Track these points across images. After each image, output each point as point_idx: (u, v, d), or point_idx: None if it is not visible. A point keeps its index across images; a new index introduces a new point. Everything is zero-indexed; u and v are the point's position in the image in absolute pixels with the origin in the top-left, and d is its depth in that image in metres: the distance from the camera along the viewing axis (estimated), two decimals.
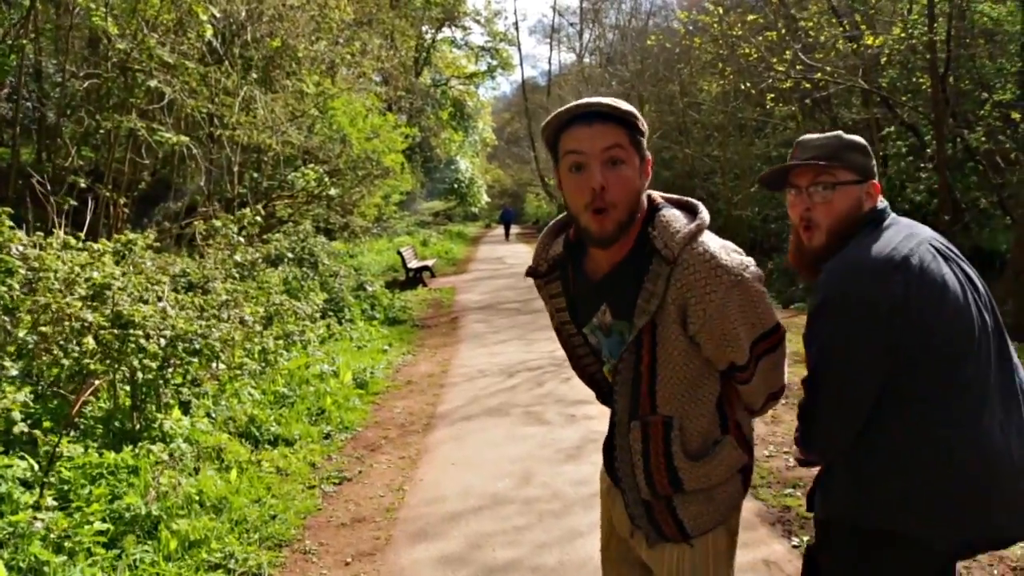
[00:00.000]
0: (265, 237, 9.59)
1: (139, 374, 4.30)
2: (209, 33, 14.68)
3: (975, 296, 1.60)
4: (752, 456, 1.64)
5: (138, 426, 4.37)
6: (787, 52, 10.02)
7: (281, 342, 6.61)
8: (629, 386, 1.49)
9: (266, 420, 5.04)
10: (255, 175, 18.21)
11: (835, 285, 1.56)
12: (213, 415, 4.95)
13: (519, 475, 4.45)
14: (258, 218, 7.75)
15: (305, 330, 7.03)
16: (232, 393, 5.35)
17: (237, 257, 7.61)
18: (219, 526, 3.59)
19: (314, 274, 8.33)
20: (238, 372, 5.58)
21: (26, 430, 3.57)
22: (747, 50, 9.83)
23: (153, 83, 13.01)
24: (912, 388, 1.52)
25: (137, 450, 3.89)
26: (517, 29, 69.07)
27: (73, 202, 13.87)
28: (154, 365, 4.28)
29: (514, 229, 34.96)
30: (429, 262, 15.60)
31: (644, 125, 1.44)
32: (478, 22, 34.77)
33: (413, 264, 13.81)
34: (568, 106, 1.42)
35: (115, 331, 4.31)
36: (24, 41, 12.29)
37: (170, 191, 18.18)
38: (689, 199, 1.54)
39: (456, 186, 35.17)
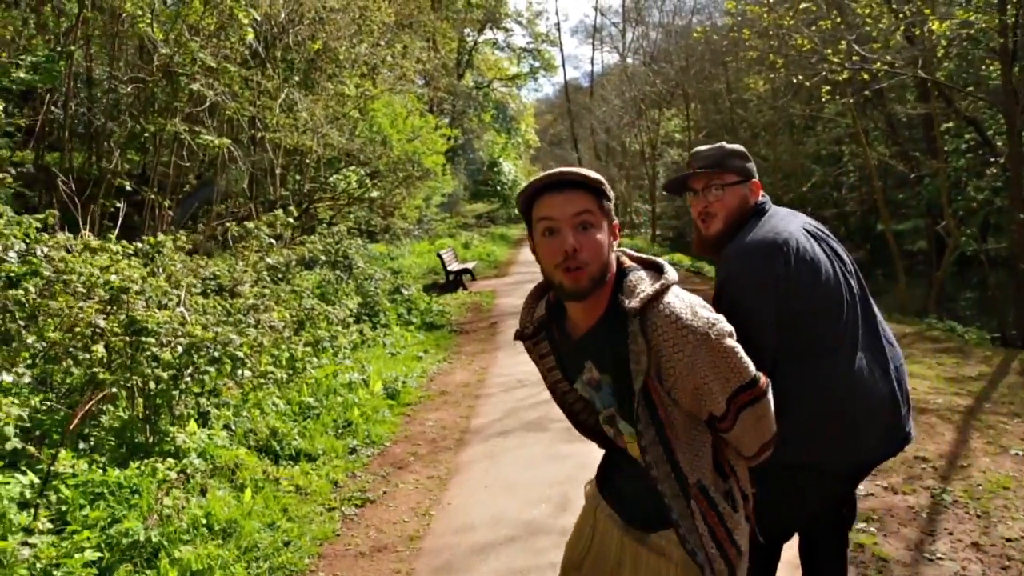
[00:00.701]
0: (301, 239, 9.34)
1: (151, 384, 4.00)
2: (250, 36, 14.63)
3: (842, 267, 2.00)
4: (748, 500, 1.67)
5: (150, 439, 4.07)
6: (841, 43, 9.39)
7: (310, 349, 6.31)
8: (665, 462, 1.50)
9: (289, 433, 4.71)
10: (297, 177, 18.17)
11: (733, 266, 1.93)
12: (233, 427, 4.65)
13: (557, 501, 4.03)
14: (290, 219, 7.47)
15: (336, 336, 6.71)
16: (255, 403, 5.04)
17: (269, 259, 7.35)
18: (225, 554, 3.25)
19: (348, 277, 8.03)
20: (263, 381, 5.27)
21: (20, 446, 3.27)
22: (800, 41, 9.23)
23: (196, 87, 12.97)
24: (799, 346, 1.88)
25: (143, 467, 3.58)
26: (559, 30, 68.59)
27: (118, 204, 13.93)
28: (166, 375, 3.97)
29: None
30: (469, 265, 15.27)
31: (611, 192, 1.53)
32: (520, 23, 34.44)
33: (453, 267, 13.48)
34: (539, 176, 1.50)
35: (126, 338, 4.02)
36: (73, 48, 12.32)
37: (214, 194, 18.21)
38: (656, 259, 1.60)
39: (499, 188, 34.85)
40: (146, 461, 3.61)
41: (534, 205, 1.52)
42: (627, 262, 1.57)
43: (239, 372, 5.34)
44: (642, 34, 32.77)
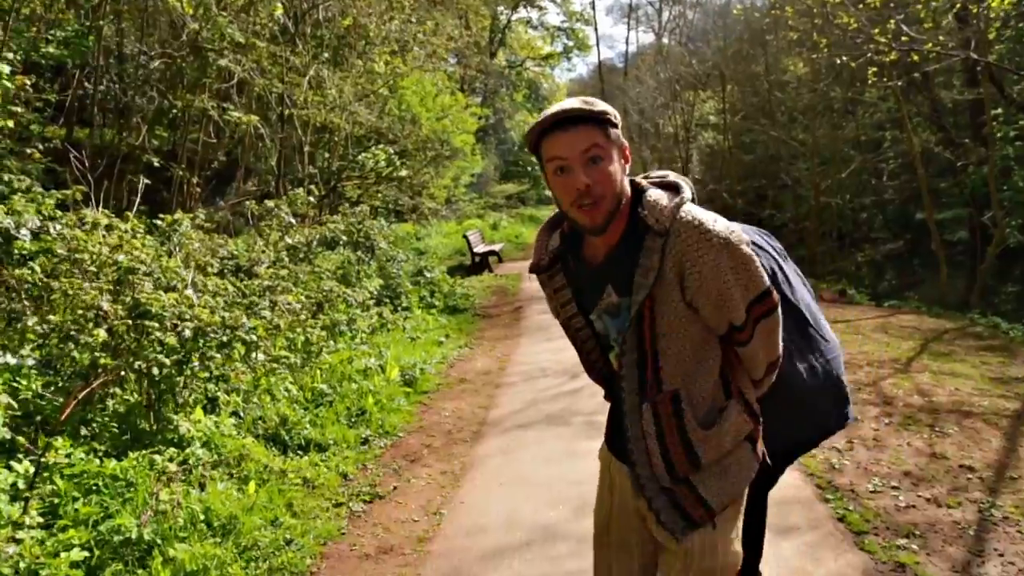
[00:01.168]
0: (323, 219, 9.15)
1: (155, 370, 3.83)
2: (279, 11, 14.44)
3: (771, 264, 2.10)
4: (758, 423, 1.68)
5: (154, 427, 3.91)
6: (891, 22, 8.88)
7: (326, 333, 6.12)
8: (635, 368, 1.54)
9: (299, 422, 4.53)
10: (326, 155, 18.04)
11: None
12: (242, 415, 4.48)
13: (576, 502, 3.78)
14: (311, 199, 7.27)
15: (355, 319, 6.53)
16: (265, 389, 4.86)
17: (289, 239, 7.17)
18: (223, 553, 3.07)
19: (370, 258, 7.83)
20: (275, 366, 5.10)
21: (8, 436, 3.12)
22: (847, 19, 8.74)
23: (224, 62, 12.84)
24: None
25: (141, 458, 3.41)
26: (594, 8, 67.42)
27: (147, 180, 13.89)
28: (168, 361, 3.79)
29: None
30: (496, 246, 15.01)
31: (617, 117, 1.52)
32: (554, 2, 33.82)
33: (479, 248, 13.23)
34: (545, 114, 1.48)
35: (129, 321, 3.85)
36: (102, 22, 12.23)
37: (244, 171, 18.18)
38: (671, 178, 1.60)
39: (530, 169, 34.43)
40: (144, 452, 3.44)
41: (542, 144, 1.50)
42: (642, 183, 1.58)
43: (253, 356, 5.17)
44: (679, 14, 31.99)
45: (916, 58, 8.61)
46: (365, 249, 7.80)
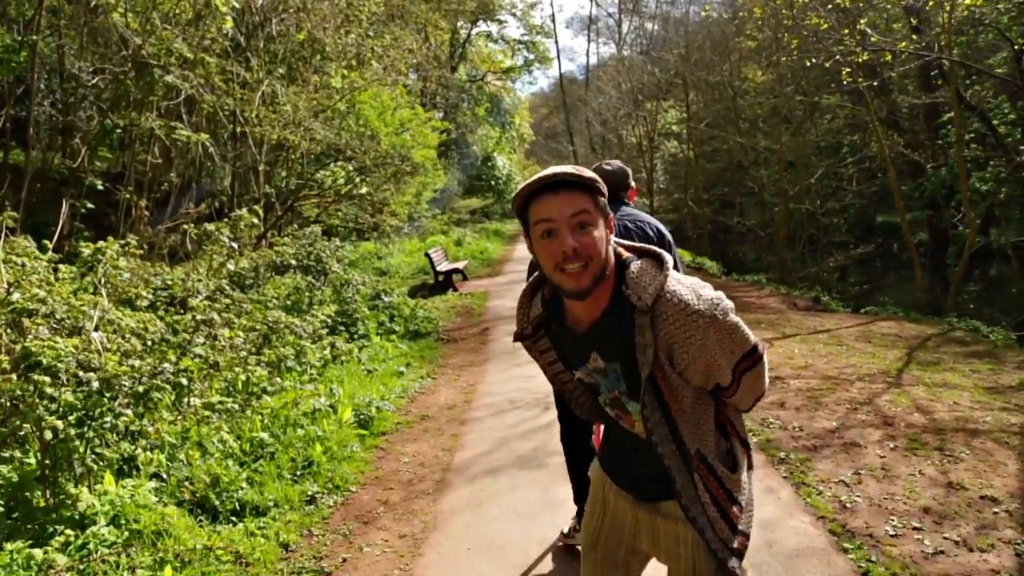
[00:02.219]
0: (275, 241, 8.46)
1: (47, 433, 3.14)
2: (229, 25, 13.77)
3: None
4: (749, 447, 1.74)
5: (50, 502, 3.22)
6: (860, 23, 8.54)
7: (267, 372, 5.46)
8: (670, 441, 1.54)
9: (234, 480, 3.85)
10: (283, 174, 17.34)
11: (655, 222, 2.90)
12: (165, 476, 3.80)
13: (556, 568, 3.19)
14: (255, 220, 6.61)
15: (304, 352, 5.86)
16: (196, 442, 4.18)
17: (231, 266, 6.49)
18: None
19: (322, 283, 7.15)
20: (208, 414, 4.43)
21: None
22: (816, 20, 8.37)
23: (170, 78, 12.13)
24: None
25: (17, 552, 2.72)
26: (554, 21, 67.51)
27: (89, 204, 13.01)
28: (60, 424, 3.10)
29: None
30: (461, 264, 14.37)
31: (604, 188, 1.52)
32: (514, 15, 33.45)
33: (443, 267, 12.58)
34: (535, 177, 1.47)
35: (14, 377, 3.16)
36: (35, 37, 11.42)
37: (198, 192, 17.35)
38: (652, 248, 1.58)
39: (493, 183, 33.90)
40: (21, 545, 2.75)
41: (530, 207, 1.49)
42: (624, 253, 1.57)
43: (185, 402, 4.50)
44: (639, 25, 31.88)
45: (889, 57, 8.25)
46: (316, 273, 7.12)
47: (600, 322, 1.53)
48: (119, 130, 14.53)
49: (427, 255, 12.98)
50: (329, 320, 6.87)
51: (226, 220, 6.62)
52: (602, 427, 2.04)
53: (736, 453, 1.66)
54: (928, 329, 9.03)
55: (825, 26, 8.32)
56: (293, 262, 6.98)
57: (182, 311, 5.39)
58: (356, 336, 7.11)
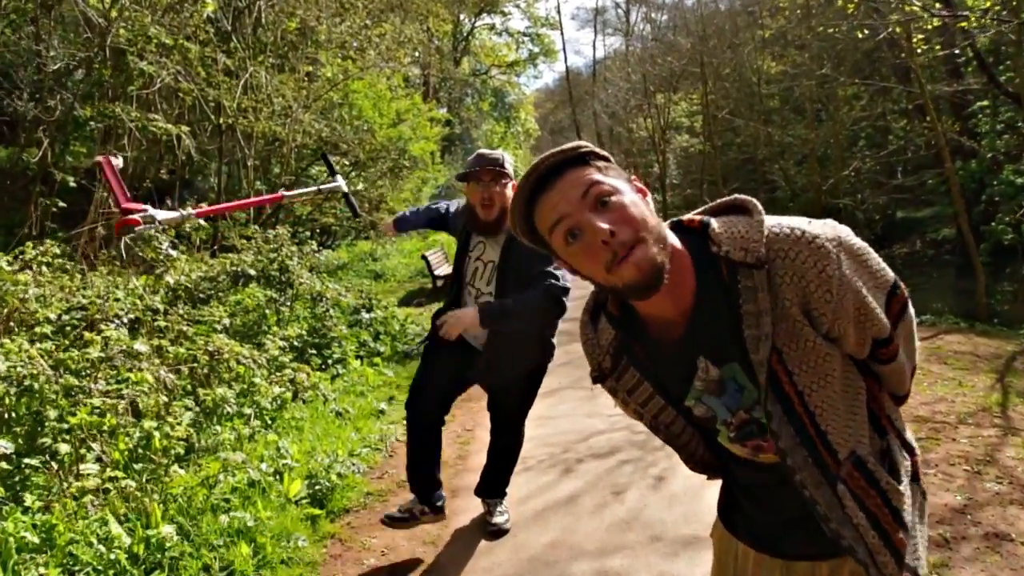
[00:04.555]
0: (242, 245, 7.08)
1: None
2: (210, 9, 12.43)
3: None
4: (915, 455, 1.29)
5: None
6: None
7: (205, 417, 4.09)
8: (800, 445, 1.12)
9: None
10: (276, 170, 16.06)
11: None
12: None
13: None
14: (201, 222, 5.22)
15: (256, 390, 4.47)
16: (63, 547, 2.81)
17: (169, 278, 5.11)
18: None
19: (286, 297, 5.74)
20: (93, 499, 3.06)
21: None
22: None
23: (143, 65, 10.81)
24: None
25: None
26: (559, 13, 65.75)
27: (61, 203, 11.80)
28: None
29: None
30: None
31: (600, 149, 1.17)
32: (518, 7, 31.92)
33: (442, 270, 11.15)
34: (520, 183, 1.12)
35: None
36: None
37: (188, 190, 16.10)
38: (725, 200, 1.19)
39: None
40: None
41: (534, 218, 1.13)
42: (696, 219, 1.16)
43: (58, 485, 3.15)
44: (645, 15, 30.40)
45: (965, 25, 6.78)
46: (281, 285, 5.73)
47: (696, 309, 1.13)
48: (92, 122, 13.28)
49: (424, 257, 11.54)
50: (294, 343, 5.48)
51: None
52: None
53: (895, 455, 1.21)
54: (1006, 345, 7.57)
55: None
56: (252, 272, 5.58)
57: (83, 345, 4.01)
58: (330, 362, 5.71)
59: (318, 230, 18.41)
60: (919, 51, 7.88)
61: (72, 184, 11.61)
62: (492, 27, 32.36)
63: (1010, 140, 15.78)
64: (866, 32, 8.48)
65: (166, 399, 3.87)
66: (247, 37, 14.31)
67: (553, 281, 2.81)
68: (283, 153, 15.16)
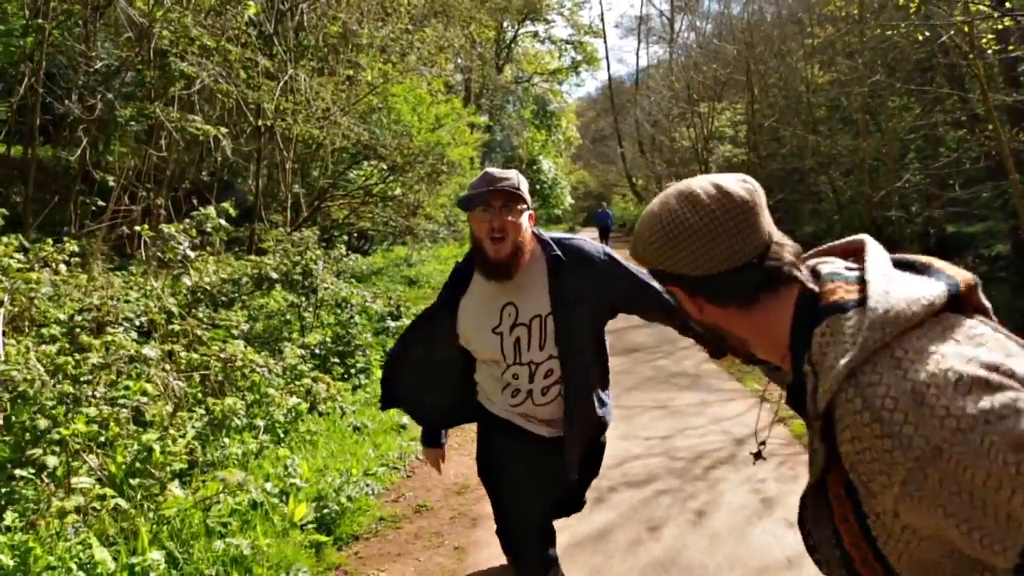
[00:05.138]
0: (271, 248, 6.86)
1: None
2: (252, 12, 12.41)
3: None
4: None
5: None
6: None
7: (212, 430, 3.82)
8: None
9: None
10: (315, 174, 16.01)
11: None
12: None
13: None
14: (222, 221, 4.98)
15: (269, 400, 4.19)
16: (40, 572, 2.54)
17: (187, 280, 4.88)
18: None
19: (309, 303, 5.47)
20: (77, 519, 2.80)
21: None
22: None
23: (183, 66, 10.80)
24: None
25: None
26: (603, 21, 65.26)
27: (101, 202, 11.87)
28: None
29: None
30: None
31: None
32: (562, 14, 31.63)
33: None
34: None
35: None
36: (42, 21, 10.24)
37: (228, 192, 16.12)
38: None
39: (538, 187, 32.07)
40: None
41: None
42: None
43: (46, 503, 2.91)
44: (690, 23, 29.83)
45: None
46: (303, 290, 5.46)
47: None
48: (132, 123, 13.35)
49: (457, 264, 11.25)
50: (316, 351, 5.20)
51: (187, 220, 5.00)
52: None
53: None
54: None
55: None
56: (274, 275, 5.33)
57: (88, 346, 3.77)
58: (353, 371, 5.42)
59: (355, 234, 18.35)
60: (989, 51, 7.29)
61: (111, 183, 11.66)
62: (535, 34, 32.13)
63: None
64: (926, 34, 7.91)
65: (171, 408, 3.61)
66: (288, 40, 14.28)
67: (659, 289, 2.05)
68: (320, 156, 15.10)
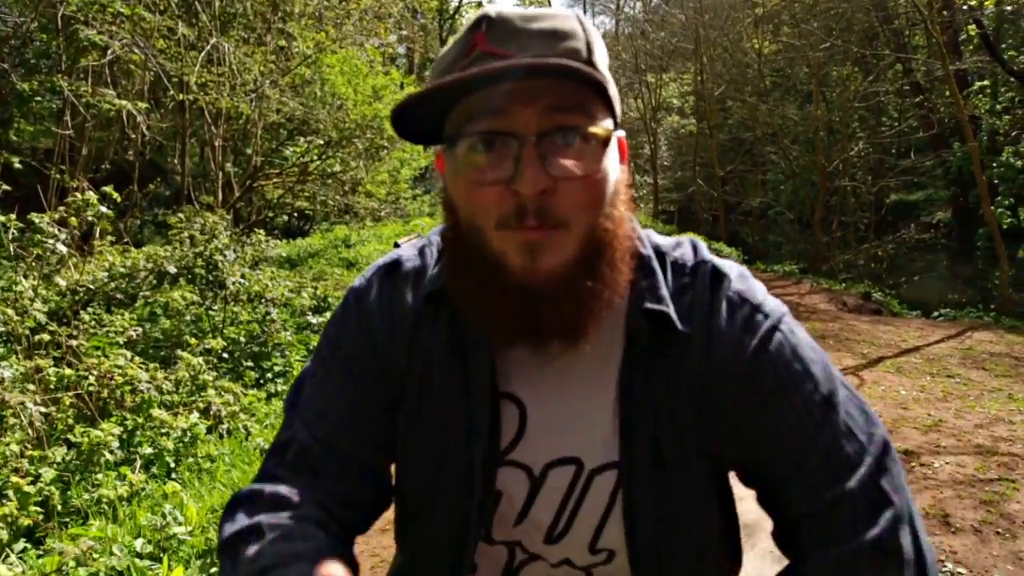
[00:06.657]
0: (171, 235, 6.01)
1: None
2: None
3: None
4: None
5: None
6: None
7: (80, 464, 3.09)
8: None
9: None
10: (248, 151, 14.95)
11: None
12: None
13: None
14: (103, 209, 4.16)
15: (155, 424, 3.45)
16: None
17: (61, 280, 4.07)
18: None
19: (214, 299, 4.69)
20: None
21: None
22: None
23: (91, 33, 9.70)
24: None
25: None
26: None
27: (6, 187, 10.73)
28: None
29: None
30: None
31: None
32: None
33: None
34: None
35: None
36: None
37: (138, 174, 14.91)
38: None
39: None
40: None
41: None
42: None
43: None
44: None
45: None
46: (209, 285, 4.68)
47: None
48: (38, 98, 12.13)
49: (396, 245, 10.49)
50: (223, 355, 4.45)
51: (61, 208, 4.17)
52: None
53: None
54: None
55: None
56: (172, 268, 4.53)
57: None
58: (270, 376, 4.70)
59: (295, 214, 17.32)
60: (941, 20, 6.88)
61: (17, 166, 10.52)
62: (479, 5, 31.04)
63: (1010, 120, 15.13)
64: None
65: (16, 448, 2.86)
66: (213, 7, 13.11)
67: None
68: (252, 133, 14.05)
